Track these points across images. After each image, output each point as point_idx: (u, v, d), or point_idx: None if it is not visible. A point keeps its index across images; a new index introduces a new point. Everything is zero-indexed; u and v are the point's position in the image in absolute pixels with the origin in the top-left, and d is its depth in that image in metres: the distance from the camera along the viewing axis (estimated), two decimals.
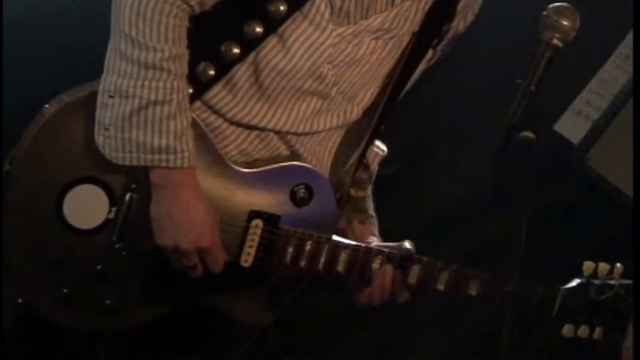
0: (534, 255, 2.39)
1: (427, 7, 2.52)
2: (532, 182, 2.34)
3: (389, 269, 2.49)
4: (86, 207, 2.42)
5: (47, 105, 2.54)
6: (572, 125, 3.51)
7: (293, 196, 2.50)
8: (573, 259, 2.51)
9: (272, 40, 2.40)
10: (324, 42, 2.42)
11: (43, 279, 2.52)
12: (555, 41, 2.26)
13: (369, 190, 2.76)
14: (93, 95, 2.41)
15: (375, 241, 2.60)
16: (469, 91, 3.33)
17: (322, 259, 2.46)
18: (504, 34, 2.67)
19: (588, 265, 2.43)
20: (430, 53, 2.60)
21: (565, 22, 2.26)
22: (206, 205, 2.38)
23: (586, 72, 3.57)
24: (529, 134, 2.20)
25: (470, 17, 2.64)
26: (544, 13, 2.29)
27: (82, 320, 2.58)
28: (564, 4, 2.31)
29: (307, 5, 2.39)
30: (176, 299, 2.58)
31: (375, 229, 2.66)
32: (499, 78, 2.63)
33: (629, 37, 3.55)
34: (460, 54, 2.69)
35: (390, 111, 2.62)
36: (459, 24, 2.61)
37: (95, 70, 2.44)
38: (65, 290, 2.48)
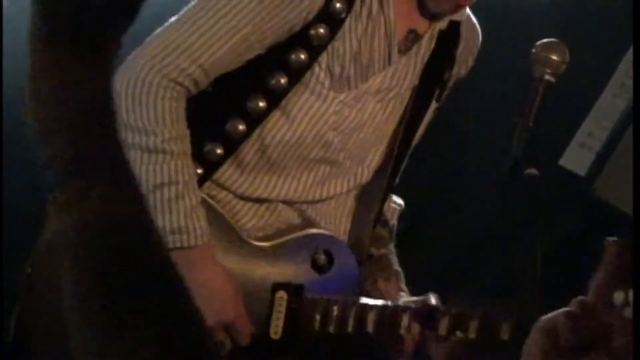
0: (552, 286, 2.42)
1: (425, 59, 2.54)
2: (541, 216, 2.39)
3: (417, 325, 2.45)
4: None
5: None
6: (576, 158, 3.53)
7: (314, 263, 2.50)
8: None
9: (276, 114, 2.42)
10: (326, 110, 2.44)
11: None
12: (547, 76, 2.30)
13: (391, 246, 2.74)
14: None
15: (404, 296, 2.58)
16: (470, 134, 3.36)
17: (351, 322, 2.43)
18: (498, 73, 2.70)
19: (618, 296, 2.36)
20: (434, 104, 2.59)
21: (554, 57, 2.30)
22: (225, 280, 2.37)
23: (585, 104, 3.60)
24: (532, 170, 2.25)
25: (470, 62, 2.66)
26: (533, 50, 2.33)
27: None
28: (552, 39, 2.35)
29: (307, 75, 2.42)
30: None
31: (402, 284, 2.64)
32: (498, 118, 2.69)
33: (623, 65, 3.58)
34: (455, 97, 2.72)
35: (400, 167, 2.63)
36: (460, 69, 2.63)
37: None
38: None
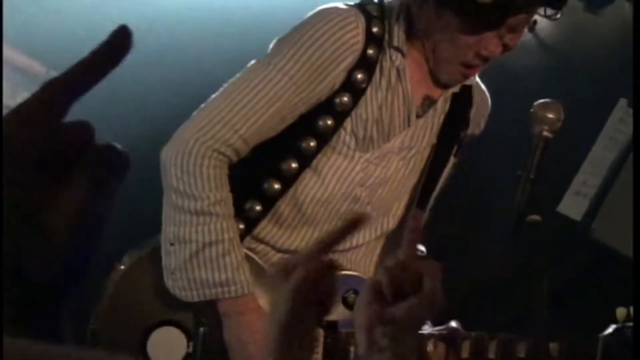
0: (558, 322, 2.42)
1: (441, 120, 2.56)
2: (545, 257, 2.40)
3: (442, 348, 2.46)
4: (167, 346, 2.45)
5: (120, 266, 2.57)
6: (573, 205, 3.55)
7: (345, 302, 2.48)
8: (594, 321, 2.51)
9: (308, 174, 2.44)
10: (353, 168, 2.46)
11: None
12: (545, 133, 2.33)
13: None
14: (154, 250, 2.47)
15: (426, 327, 2.59)
16: (481, 187, 3.39)
17: None
18: (502, 132, 2.75)
19: (620, 311, 2.39)
20: (452, 160, 2.62)
21: (551, 115, 2.33)
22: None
23: (579, 156, 3.62)
24: (535, 217, 2.30)
25: (482, 124, 2.69)
26: (532, 110, 2.36)
27: None
28: (548, 99, 2.39)
29: (334, 138, 2.44)
30: None
31: None
32: (504, 171, 2.70)
33: (611, 121, 3.61)
34: (467, 156, 2.76)
35: (422, 214, 2.61)
36: (475, 130, 2.66)
37: (153, 225, 2.50)
38: None
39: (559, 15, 2.43)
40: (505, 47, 2.38)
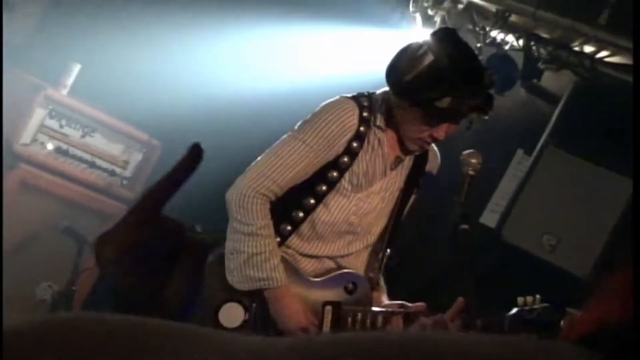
0: (484, 298, 2.42)
1: (406, 173, 2.51)
2: (473, 254, 2.40)
3: (400, 320, 2.42)
4: (231, 315, 2.39)
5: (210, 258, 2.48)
6: (490, 218, 3.58)
7: (346, 289, 2.46)
8: (506, 302, 2.46)
9: (321, 207, 2.41)
10: (349, 203, 2.42)
11: None
12: (470, 172, 2.31)
13: (380, 274, 2.67)
14: (221, 256, 2.39)
15: (385, 300, 2.55)
16: (430, 209, 3.24)
17: (369, 321, 2.42)
18: (445, 173, 2.73)
19: (520, 299, 2.36)
20: (414, 196, 2.56)
21: (474, 160, 2.31)
22: (297, 303, 2.36)
23: (493, 187, 3.66)
24: (465, 226, 2.28)
25: (435, 170, 2.60)
26: (461, 157, 2.34)
27: None
28: (472, 150, 2.36)
29: (338, 185, 2.40)
30: None
31: (385, 294, 2.59)
32: (447, 198, 2.62)
33: (513, 162, 3.60)
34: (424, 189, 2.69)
35: (395, 233, 2.58)
36: (432, 173, 2.59)
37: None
38: None
39: (486, 117, 2.37)
40: (446, 134, 2.34)
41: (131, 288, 0.69)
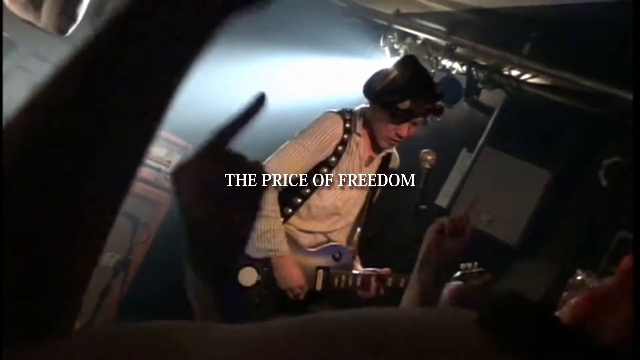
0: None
1: (377, 167, 2.50)
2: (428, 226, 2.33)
3: (375, 282, 2.37)
4: (247, 276, 2.36)
5: None
6: (443, 200, 3.52)
7: (333, 257, 2.46)
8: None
9: (314, 194, 2.39)
10: (335, 192, 2.42)
11: None
12: (427, 166, 2.25)
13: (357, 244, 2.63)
14: None
15: (359, 267, 2.49)
16: (397, 194, 3.03)
17: (350, 282, 2.40)
18: (406, 167, 2.61)
19: (462, 265, 2.14)
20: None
21: (429, 157, 2.26)
22: (296, 269, 2.32)
23: (444, 177, 3.59)
24: (423, 207, 2.25)
25: (396, 167, 2.56)
26: (420, 155, 2.29)
27: None
28: (428, 149, 2.30)
29: (327, 178, 2.38)
30: (294, 313, 2.44)
31: (359, 262, 2.52)
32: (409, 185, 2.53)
33: (459, 159, 3.56)
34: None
35: (369, 214, 2.54)
36: (393, 170, 2.54)
37: None
38: None
39: (438, 119, 2.36)
40: (409, 133, 2.33)
41: (205, 218, 0.66)
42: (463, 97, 3.44)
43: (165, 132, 3.31)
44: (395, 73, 2.28)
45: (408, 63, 2.33)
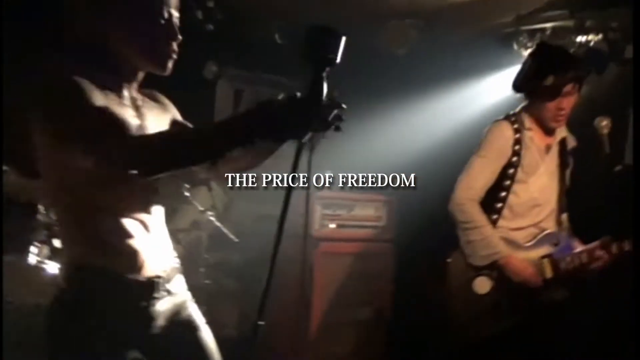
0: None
1: (557, 152, 2.38)
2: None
3: (603, 252, 2.24)
4: (481, 285, 2.31)
5: (448, 259, 2.40)
6: (629, 157, 2.79)
7: (552, 244, 2.34)
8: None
9: (511, 195, 2.33)
10: (528, 186, 2.33)
11: None
12: (605, 131, 2.19)
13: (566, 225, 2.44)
14: (459, 250, 2.34)
15: (577, 244, 2.34)
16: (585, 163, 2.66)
17: (577, 261, 2.28)
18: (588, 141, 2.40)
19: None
20: (567, 170, 2.40)
21: (605, 122, 2.21)
22: (523, 262, 2.25)
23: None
24: (619, 167, 2.17)
25: (575, 144, 2.41)
26: (594, 125, 2.21)
27: None
28: (600, 116, 2.20)
29: (516, 176, 2.30)
30: (531, 306, 2.30)
31: (576, 239, 2.37)
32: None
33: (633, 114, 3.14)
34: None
35: (567, 194, 2.40)
36: (575, 148, 2.41)
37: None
38: None
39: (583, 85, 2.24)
40: (569, 103, 2.25)
41: None
42: (609, 61, 3.31)
43: (365, 195, 3.53)
44: (529, 61, 2.27)
45: (537, 48, 2.31)
